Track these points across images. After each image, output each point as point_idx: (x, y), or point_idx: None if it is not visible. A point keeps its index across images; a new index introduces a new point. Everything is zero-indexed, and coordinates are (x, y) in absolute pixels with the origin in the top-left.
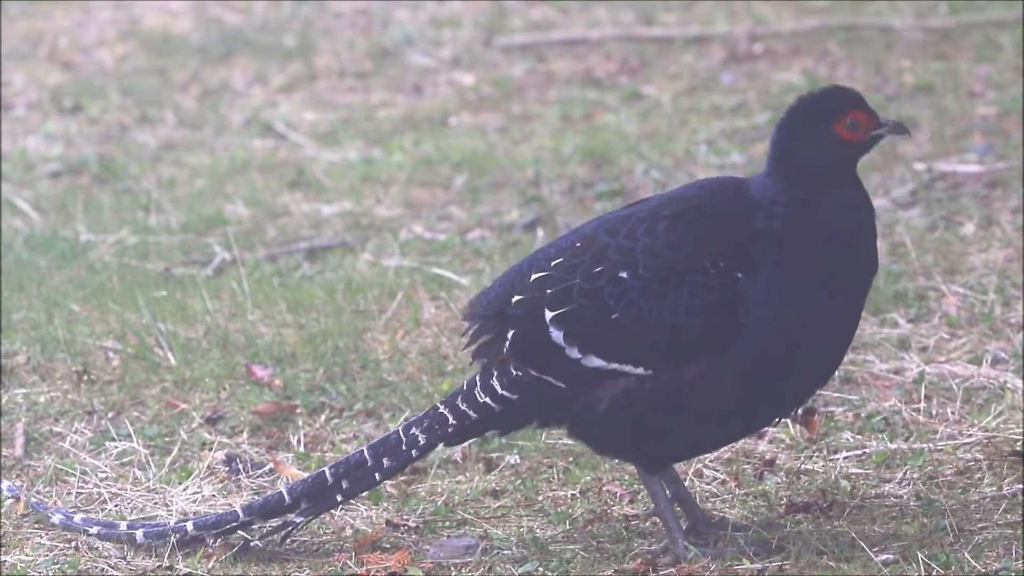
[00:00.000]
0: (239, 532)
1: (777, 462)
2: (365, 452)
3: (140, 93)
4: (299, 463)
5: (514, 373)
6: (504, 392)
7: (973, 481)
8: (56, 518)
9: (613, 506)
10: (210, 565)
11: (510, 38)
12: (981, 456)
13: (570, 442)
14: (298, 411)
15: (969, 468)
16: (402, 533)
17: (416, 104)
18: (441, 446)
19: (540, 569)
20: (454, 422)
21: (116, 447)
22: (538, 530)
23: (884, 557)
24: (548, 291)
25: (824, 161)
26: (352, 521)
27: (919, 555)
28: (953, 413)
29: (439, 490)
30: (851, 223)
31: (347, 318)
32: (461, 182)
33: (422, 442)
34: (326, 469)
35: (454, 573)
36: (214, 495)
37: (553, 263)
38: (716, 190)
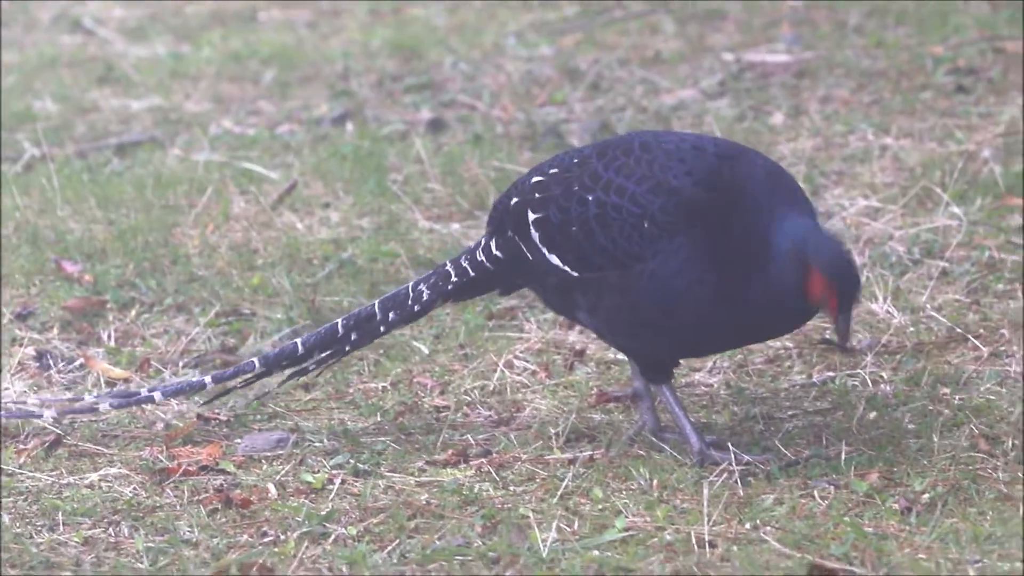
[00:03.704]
0: (258, 381)
1: (587, 352)
2: (375, 306)
3: None
4: (110, 358)
5: (507, 234)
6: (497, 252)
7: (783, 369)
8: None
9: (424, 398)
10: (21, 461)
11: None
12: (791, 344)
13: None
14: (108, 306)
15: (779, 356)
16: (213, 427)
17: None
18: (443, 301)
19: (351, 461)
20: (456, 278)
21: None
22: (349, 422)
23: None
24: (536, 195)
25: (781, 282)
26: (163, 415)
27: (729, 444)
28: None
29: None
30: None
31: (157, 213)
32: (270, 77)
33: (426, 297)
34: (339, 321)
35: (266, 466)
36: (25, 391)
37: (550, 171)
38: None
